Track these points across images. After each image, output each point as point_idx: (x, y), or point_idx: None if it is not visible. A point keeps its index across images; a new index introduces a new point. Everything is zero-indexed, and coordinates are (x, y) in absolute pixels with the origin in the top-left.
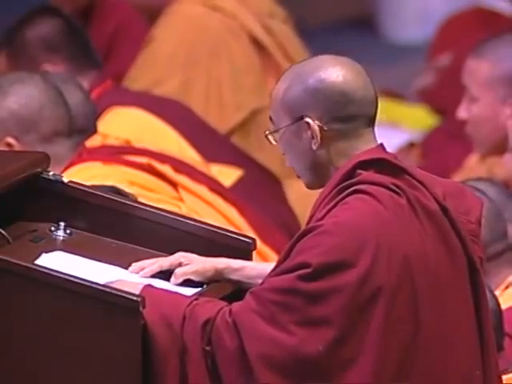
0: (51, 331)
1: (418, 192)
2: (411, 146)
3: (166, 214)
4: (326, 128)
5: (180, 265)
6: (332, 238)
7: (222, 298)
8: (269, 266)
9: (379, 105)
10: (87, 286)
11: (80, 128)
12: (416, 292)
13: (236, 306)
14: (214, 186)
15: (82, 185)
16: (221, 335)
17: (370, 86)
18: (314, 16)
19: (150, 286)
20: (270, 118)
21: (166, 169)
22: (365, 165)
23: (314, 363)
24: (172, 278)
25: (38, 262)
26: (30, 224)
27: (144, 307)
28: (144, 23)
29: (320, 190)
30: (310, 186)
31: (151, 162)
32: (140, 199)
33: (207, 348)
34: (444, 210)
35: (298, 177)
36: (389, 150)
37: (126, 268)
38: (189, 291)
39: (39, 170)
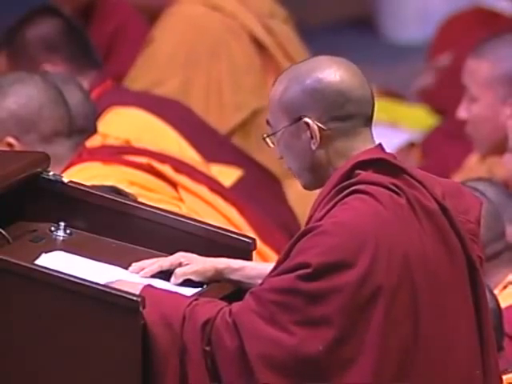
0: (51, 331)
1: (417, 192)
2: (411, 145)
3: (166, 214)
4: (324, 128)
5: (180, 265)
6: (331, 238)
7: (222, 298)
8: (269, 266)
9: (379, 105)
10: (87, 286)
11: (80, 128)
12: (416, 292)
13: (236, 306)
14: (214, 186)
15: (82, 185)
16: (221, 335)
17: (366, 86)
18: (314, 16)
19: (149, 286)
20: (268, 122)
21: (166, 169)
22: (364, 165)
23: (314, 363)
24: (172, 278)
25: (38, 262)
26: (30, 224)
27: (144, 307)
28: (144, 23)
29: (319, 191)
30: (307, 187)
31: (151, 161)
32: (140, 199)
33: (207, 348)
34: (443, 209)
35: (297, 177)
36: (389, 150)
37: (126, 268)
38: (189, 291)
39: (39, 169)
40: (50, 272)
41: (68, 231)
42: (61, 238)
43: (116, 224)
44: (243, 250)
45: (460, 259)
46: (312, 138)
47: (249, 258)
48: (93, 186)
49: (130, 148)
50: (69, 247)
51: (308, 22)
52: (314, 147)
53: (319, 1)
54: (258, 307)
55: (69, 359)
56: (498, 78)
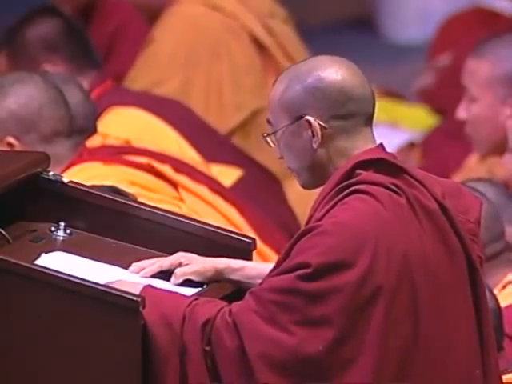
0: (51, 331)
1: (417, 191)
2: (411, 146)
3: (166, 214)
4: (326, 126)
5: (180, 265)
6: (331, 238)
7: (222, 298)
8: (269, 266)
9: (379, 105)
10: (87, 286)
11: (80, 128)
12: (416, 292)
13: (236, 306)
14: (214, 185)
15: (82, 185)
16: (221, 335)
17: (367, 85)
18: (314, 16)
19: (149, 286)
20: (268, 121)
21: (166, 169)
22: (364, 165)
23: (314, 363)
24: (172, 278)
25: (38, 262)
26: (30, 224)
27: (144, 307)
28: (144, 23)
29: (319, 190)
30: (305, 186)
31: (151, 161)
32: (140, 199)
33: (207, 348)
34: (443, 209)
35: (296, 176)
36: (389, 150)
37: (126, 268)
38: (189, 291)
39: (39, 170)
40: (50, 272)
41: (68, 231)
42: (61, 238)
43: (116, 224)
44: (243, 250)
45: (460, 259)
46: (313, 136)
47: (249, 258)
48: (93, 186)
49: (130, 148)
50: (69, 247)
51: (308, 22)
52: (315, 146)
53: (319, 1)
54: (257, 307)
55: (69, 359)
56: (497, 78)
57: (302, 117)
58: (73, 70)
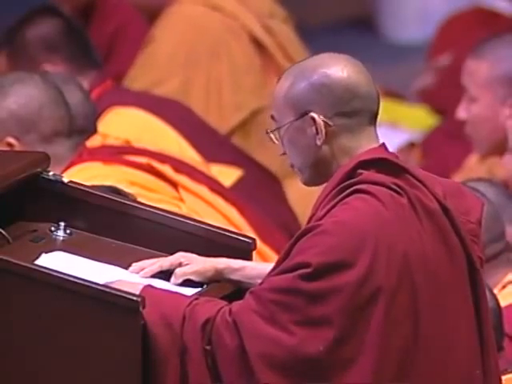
0: (51, 331)
1: (418, 192)
2: (411, 145)
3: (166, 214)
4: (330, 123)
5: (180, 265)
6: (331, 237)
7: (222, 298)
8: (269, 266)
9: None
10: (87, 286)
11: (80, 128)
12: (416, 292)
13: (236, 305)
14: (214, 185)
15: (82, 185)
16: (221, 334)
17: (372, 83)
18: (314, 16)
19: (149, 286)
20: (272, 117)
21: (166, 169)
22: (366, 164)
23: (315, 363)
24: (172, 278)
25: (38, 262)
26: (30, 224)
27: (144, 307)
28: (144, 23)
29: (320, 190)
30: (307, 183)
31: (151, 161)
32: (140, 199)
33: (207, 347)
34: (445, 209)
35: (299, 173)
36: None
37: (126, 268)
38: (189, 291)
39: (39, 170)
40: (50, 272)
41: (68, 231)
42: (61, 238)
43: (116, 224)
44: (243, 250)
45: (460, 259)
46: (317, 133)
47: (249, 258)
48: (93, 186)
49: (130, 148)
50: (69, 247)
51: (308, 22)
52: (319, 143)
53: (319, 1)
54: (258, 307)
55: (69, 359)
56: (497, 78)
57: (306, 113)
58: (73, 70)
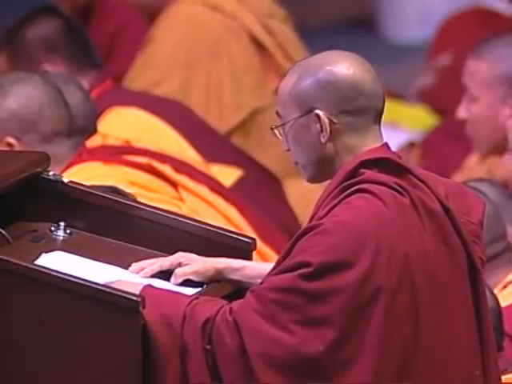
0: (51, 331)
1: (420, 192)
2: (411, 146)
3: (166, 214)
4: (335, 121)
5: (180, 265)
6: (332, 237)
7: (222, 298)
8: (269, 266)
9: None
10: (87, 286)
11: (80, 128)
12: (416, 292)
13: (236, 304)
14: (215, 185)
15: (82, 185)
16: (221, 334)
17: (377, 82)
18: (314, 16)
19: (149, 285)
20: (277, 113)
21: (166, 169)
22: (368, 164)
23: (315, 363)
24: (172, 278)
25: (37, 262)
26: (30, 224)
27: (144, 307)
28: (144, 23)
29: (321, 189)
30: (311, 180)
31: (151, 161)
32: (140, 199)
33: (208, 347)
34: (446, 210)
35: (302, 170)
36: None
37: (126, 268)
38: (189, 291)
39: (39, 170)
40: (50, 272)
41: (68, 231)
42: (61, 238)
43: (116, 224)
44: (243, 250)
45: (461, 259)
46: (322, 130)
47: (249, 257)
48: (93, 186)
49: (130, 148)
50: (69, 247)
51: (308, 22)
52: (323, 140)
53: (319, 1)
54: (258, 306)
55: (69, 359)
56: (497, 78)
57: (311, 110)
58: (73, 70)
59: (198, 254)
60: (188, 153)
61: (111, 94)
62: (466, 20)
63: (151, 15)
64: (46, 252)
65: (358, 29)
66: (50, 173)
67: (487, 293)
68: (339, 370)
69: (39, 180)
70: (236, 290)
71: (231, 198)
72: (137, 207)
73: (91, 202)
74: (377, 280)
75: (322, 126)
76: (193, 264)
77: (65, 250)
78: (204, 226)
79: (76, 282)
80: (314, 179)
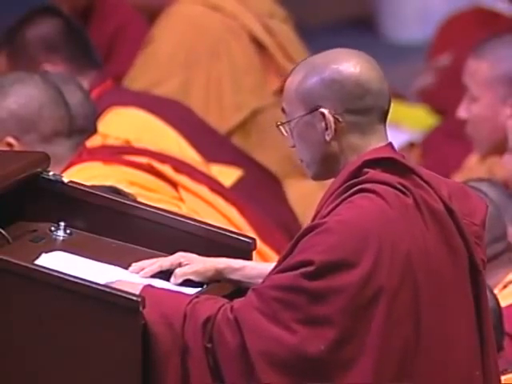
0: (51, 331)
1: (424, 192)
2: (411, 146)
3: (166, 213)
4: (340, 119)
5: (180, 265)
6: (334, 236)
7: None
8: (269, 266)
9: None
10: (87, 286)
11: (80, 128)
12: (417, 292)
13: (238, 302)
14: (215, 185)
15: (82, 185)
16: (222, 332)
17: (383, 80)
18: (314, 16)
19: (149, 285)
20: (283, 110)
21: (166, 169)
22: (372, 163)
23: (316, 362)
24: (172, 278)
25: (37, 262)
26: (30, 224)
27: (144, 307)
28: (144, 23)
29: (322, 189)
30: (315, 178)
31: (151, 161)
32: (140, 199)
33: (208, 345)
34: (449, 211)
35: (307, 168)
36: None
37: (126, 268)
38: (189, 291)
39: (39, 170)
40: (50, 272)
41: (68, 231)
42: (61, 238)
43: (116, 224)
44: (243, 250)
45: (463, 260)
46: (327, 129)
47: (249, 257)
48: (93, 186)
49: (130, 148)
50: (69, 247)
51: (308, 22)
52: (328, 138)
53: (319, 1)
54: (260, 304)
55: (69, 359)
56: (497, 78)
57: (316, 108)
58: (73, 70)
59: (198, 254)
60: (188, 153)
61: (111, 94)
62: (466, 20)
63: (151, 15)
64: (46, 252)
65: (357, 29)
66: (50, 173)
67: (488, 293)
68: (340, 370)
69: (39, 180)
70: (236, 289)
71: (231, 198)
72: (137, 207)
73: (91, 202)
74: (379, 280)
75: (326, 125)
76: (193, 264)
77: (65, 250)
78: (204, 226)
79: (76, 282)
80: (319, 177)
